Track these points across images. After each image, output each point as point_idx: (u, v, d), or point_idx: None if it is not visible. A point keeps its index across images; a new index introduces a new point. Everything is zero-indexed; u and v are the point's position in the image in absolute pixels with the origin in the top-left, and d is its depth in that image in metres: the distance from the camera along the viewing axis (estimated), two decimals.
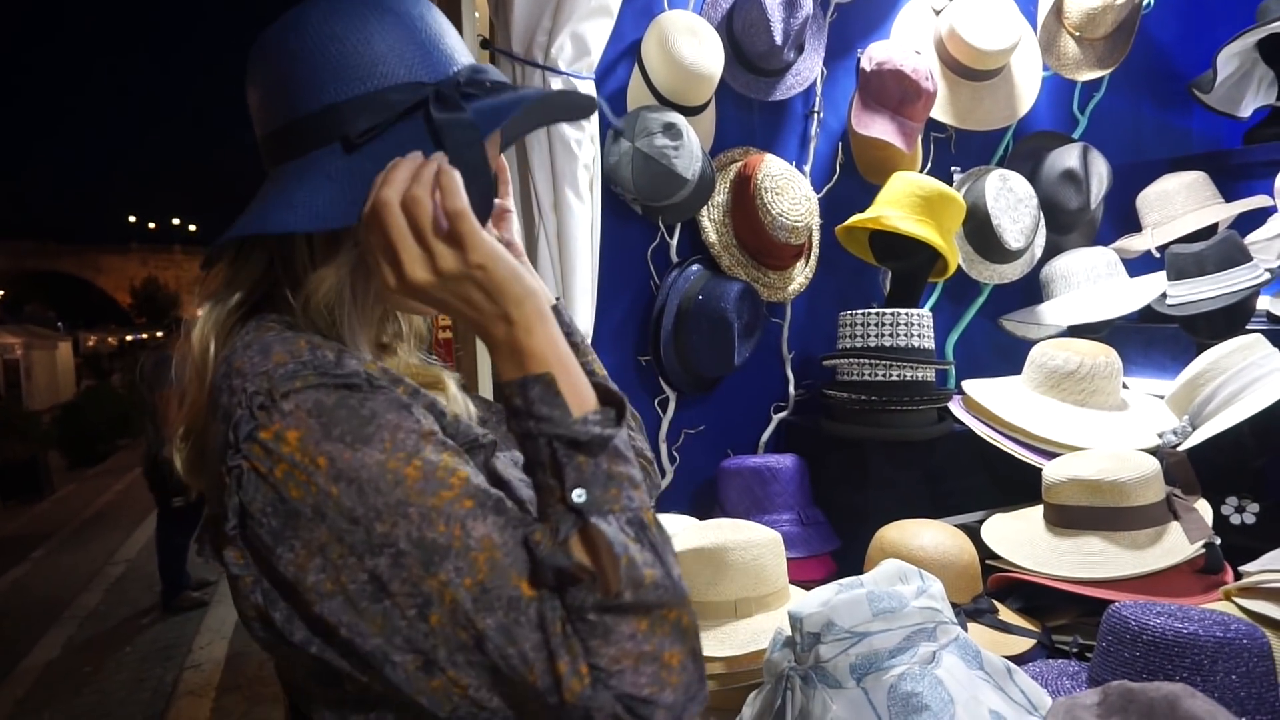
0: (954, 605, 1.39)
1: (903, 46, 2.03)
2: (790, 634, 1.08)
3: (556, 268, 1.67)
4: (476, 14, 2.09)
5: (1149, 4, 2.35)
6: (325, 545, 0.65)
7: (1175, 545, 1.45)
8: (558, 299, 1.07)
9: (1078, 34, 2.25)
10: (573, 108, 0.94)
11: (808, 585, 1.64)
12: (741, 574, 1.37)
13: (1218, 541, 1.46)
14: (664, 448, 1.99)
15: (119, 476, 10.81)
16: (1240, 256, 1.92)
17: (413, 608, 0.64)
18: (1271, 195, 2.13)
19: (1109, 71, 2.29)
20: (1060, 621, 1.50)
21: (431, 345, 1.02)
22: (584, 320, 1.70)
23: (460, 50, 0.80)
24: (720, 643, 1.32)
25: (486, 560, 0.64)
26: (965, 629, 1.41)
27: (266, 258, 0.81)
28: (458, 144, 0.74)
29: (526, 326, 0.70)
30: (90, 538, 7.78)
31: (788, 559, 1.48)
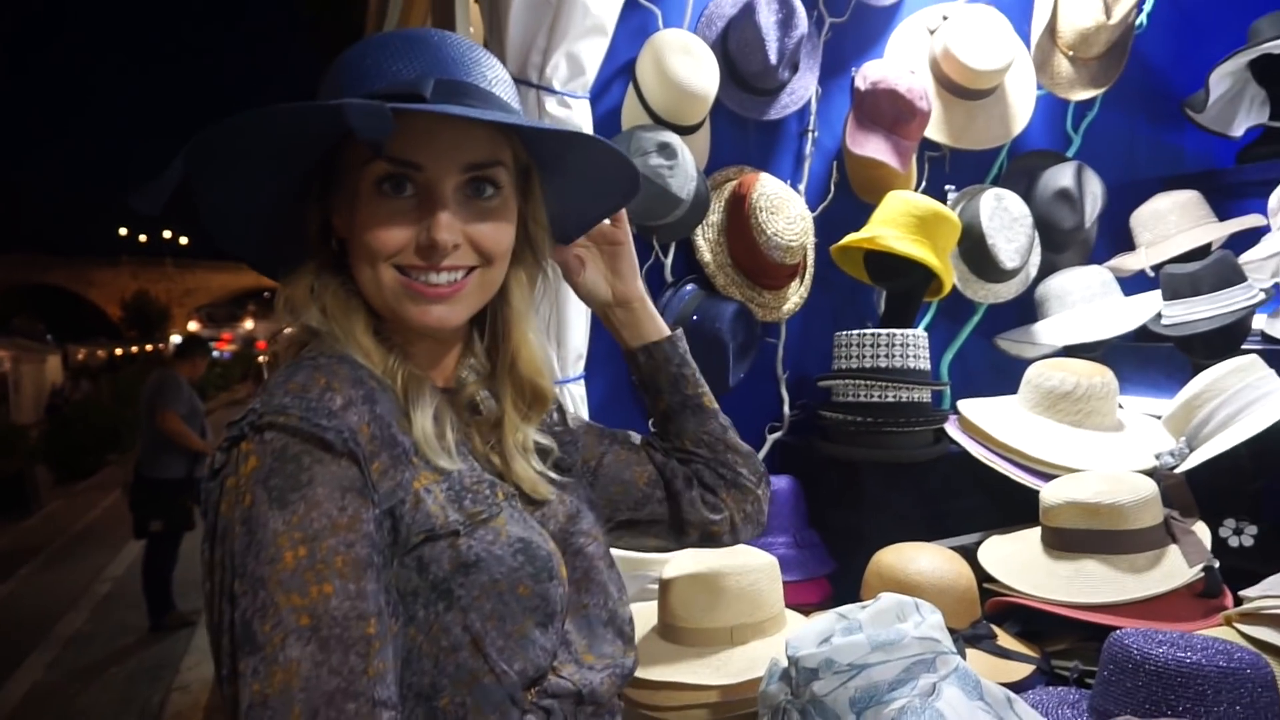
0: (952, 631, 1.37)
1: (897, 66, 2.03)
2: (785, 666, 1.06)
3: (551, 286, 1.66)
4: (472, 29, 2.08)
5: (1142, 24, 2.36)
6: (214, 566, 0.71)
7: (1174, 569, 1.43)
8: (676, 329, 1.10)
9: (1071, 53, 2.26)
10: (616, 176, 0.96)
11: (804, 609, 1.62)
12: (738, 600, 1.36)
13: (1216, 565, 1.45)
14: None
15: (107, 491, 10.72)
16: (1235, 276, 1.92)
17: (225, 668, 0.68)
18: (1265, 214, 2.14)
19: (1102, 91, 2.30)
20: (1059, 646, 1.48)
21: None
22: (578, 341, 1.69)
23: (451, 66, 0.82)
24: (716, 670, 1.30)
25: (282, 682, 0.66)
26: (964, 655, 1.39)
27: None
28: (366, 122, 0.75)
29: None
30: (78, 555, 7.71)
31: (783, 582, 1.47)
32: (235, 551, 0.69)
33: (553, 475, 0.94)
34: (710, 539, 1.11)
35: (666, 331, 1.09)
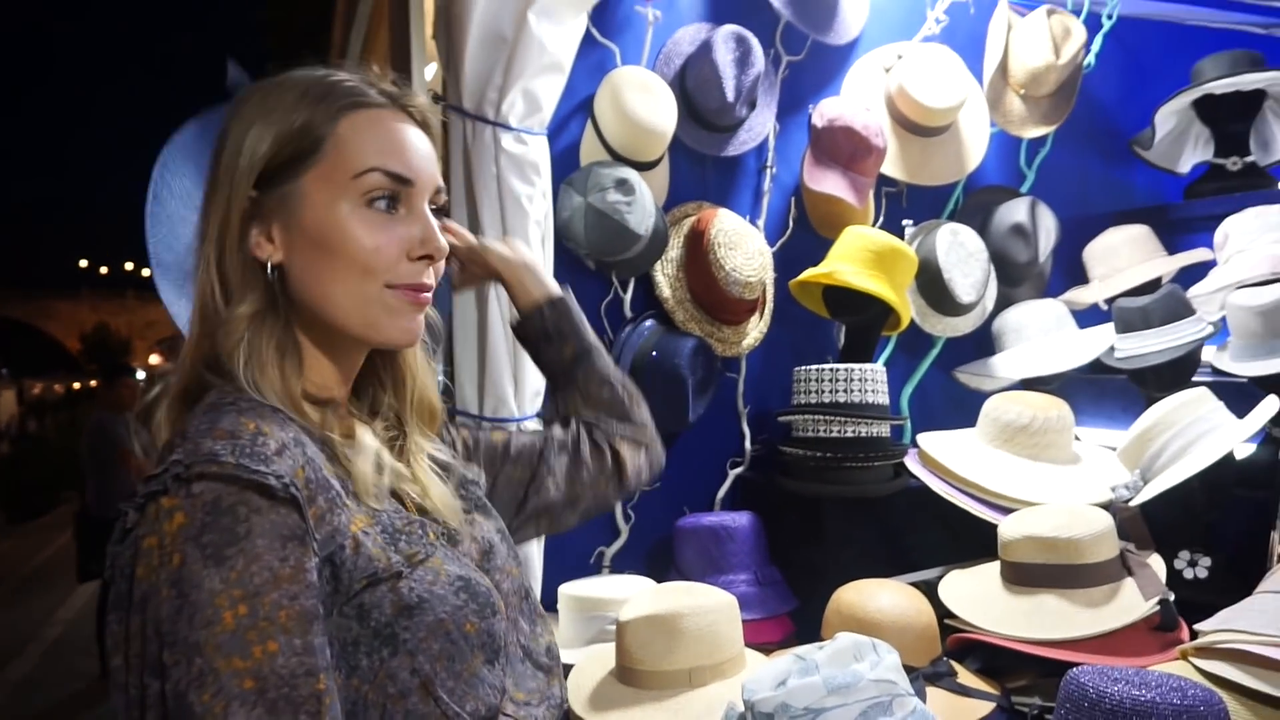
0: (913, 669, 1.36)
1: (853, 103, 2.06)
2: (742, 711, 1.04)
3: (508, 323, 1.64)
4: (428, 67, 2.08)
5: (1090, 64, 2.42)
6: (131, 637, 0.65)
7: (1130, 603, 1.44)
8: (565, 287, 1.23)
9: (1023, 92, 2.31)
10: None
11: (765, 648, 1.60)
12: (696, 641, 1.33)
13: (1172, 597, 1.45)
14: (618, 506, 1.95)
15: (60, 531, 10.39)
16: (1184, 310, 1.95)
17: None
18: (1212, 249, 2.18)
19: (1054, 128, 2.35)
20: (1020, 683, 1.48)
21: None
22: (535, 379, 1.67)
23: None
24: (674, 714, 1.28)
25: None
26: (924, 693, 1.38)
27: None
28: None
29: None
30: (28, 597, 7.46)
31: (744, 620, 1.44)
32: (163, 618, 0.63)
33: (472, 506, 0.95)
34: (601, 500, 1.18)
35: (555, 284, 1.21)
